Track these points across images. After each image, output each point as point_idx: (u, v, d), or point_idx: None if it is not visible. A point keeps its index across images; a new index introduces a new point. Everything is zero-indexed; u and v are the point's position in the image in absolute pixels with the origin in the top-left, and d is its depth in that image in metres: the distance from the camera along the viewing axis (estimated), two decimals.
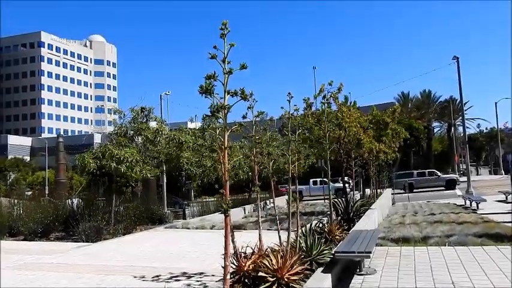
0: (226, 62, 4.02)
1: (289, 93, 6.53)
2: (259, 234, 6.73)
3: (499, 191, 24.07)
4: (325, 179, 46.26)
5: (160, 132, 13.22)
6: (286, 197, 7.93)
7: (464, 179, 52.10)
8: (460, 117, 64.92)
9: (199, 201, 25.61)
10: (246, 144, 13.37)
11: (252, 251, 6.42)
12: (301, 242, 6.83)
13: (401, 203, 24.49)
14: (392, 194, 25.88)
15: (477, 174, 75.14)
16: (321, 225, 9.16)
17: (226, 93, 3.99)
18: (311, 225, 8.61)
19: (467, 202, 19.83)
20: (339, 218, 12.81)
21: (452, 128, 56.74)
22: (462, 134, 41.97)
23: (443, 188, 37.45)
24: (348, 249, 6.06)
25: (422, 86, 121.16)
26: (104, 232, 12.22)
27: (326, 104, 9.48)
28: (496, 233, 8.88)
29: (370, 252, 6.01)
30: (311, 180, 43.65)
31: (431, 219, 13.39)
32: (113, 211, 12.95)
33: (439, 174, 41.59)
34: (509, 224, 10.91)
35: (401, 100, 59.38)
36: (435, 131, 72.23)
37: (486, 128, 72.52)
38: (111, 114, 15.74)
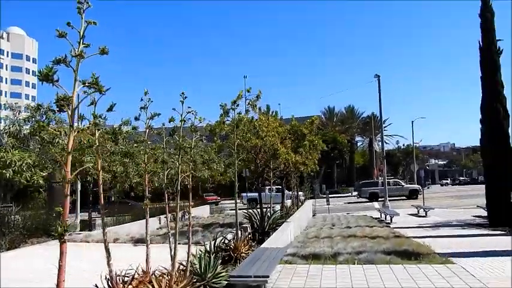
0: (81, 43, 3.14)
1: (182, 92, 5.72)
2: (147, 254, 5.80)
3: (411, 205, 25.11)
4: (278, 187, 46.37)
5: (60, 133, 11.72)
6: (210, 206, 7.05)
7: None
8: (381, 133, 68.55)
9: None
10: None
11: (138, 274, 5.50)
12: (196, 262, 6.01)
13: (322, 214, 24.67)
14: (314, 204, 26.00)
15: None
16: (227, 241, 8.41)
17: (76, 82, 3.11)
18: (215, 241, 7.84)
19: (383, 215, 20.28)
20: (251, 232, 12.25)
21: (373, 142, 59.38)
22: (379, 150, 43.80)
23: (404, 198, 38.32)
24: (244, 273, 5.36)
25: (349, 102, 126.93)
26: None
27: (235, 110, 8.79)
28: (404, 250, 8.73)
29: (268, 276, 5.37)
30: (266, 187, 43.24)
31: (346, 233, 13.25)
32: None
33: (403, 184, 43.06)
34: (418, 240, 10.95)
35: (327, 114, 61.23)
36: (358, 145, 75.46)
37: (403, 145, 77.16)
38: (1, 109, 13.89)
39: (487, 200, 15.56)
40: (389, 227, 15.65)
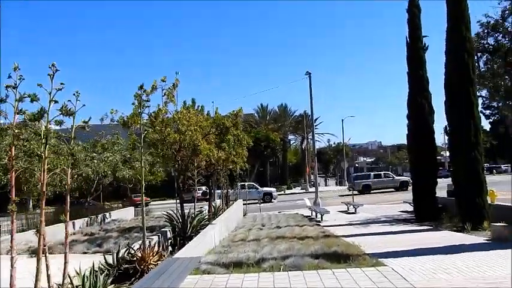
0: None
1: (52, 64, 4.48)
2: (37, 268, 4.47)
3: (341, 202, 25.21)
4: (252, 183, 45.11)
5: None
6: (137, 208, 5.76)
7: (320, 189, 55.34)
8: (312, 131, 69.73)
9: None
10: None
11: None
12: (79, 283, 4.80)
13: (254, 214, 23.98)
14: (245, 204, 25.23)
15: (325, 185, 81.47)
16: (133, 250, 7.20)
17: None
18: (118, 252, 6.61)
19: (313, 213, 19.96)
20: (171, 236, 11.10)
21: (305, 141, 60.14)
22: (310, 148, 44.26)
23: (393, 190, 38.31)
24: None
25: (282, 100, 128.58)
26: None
27: (139, 102, 7.66)
28: (334, 252, 8.07)
29: None
30: (239, 184, 41.50)
31: (275, 234, 12.52)
32: None
33: (394, 176, 43.13)
34: (347, 239, 10.44)
35: (261, 112, 61.07)
36: (291, 144, 76.35)
37: (334, 143, 79.31)
38: None
39: (413, 196, 15.65)
40: (320, 225, 15.20)
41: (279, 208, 29.07)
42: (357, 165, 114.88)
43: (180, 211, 11.25)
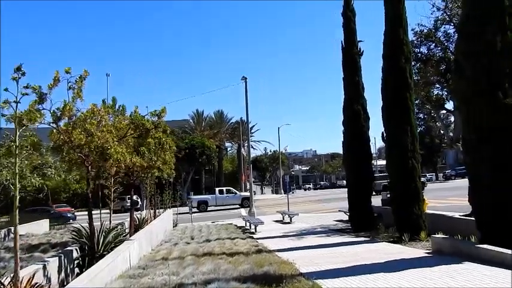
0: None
1: None
2: None
3: (277, 211, 24.47)
4: (229, 188, 42.39)
5: None
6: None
7: (257, 197, 54.59)
8: (250, 139, 69.19)
9: None
10: None
11: None
12: None
13: (185, 224, 22.51)
14: (176, 214, 23.63)
15: (262, 193, 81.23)
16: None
17: None
18: None
19: (247, 224, 18.93)
20: (78, 256, 9.46)
21: (242, 148, 59.32)
22: (246, 155, 43.20)
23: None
24: None
25: (220, 107, 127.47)
26: None
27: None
28: (265, 273, 7.00)
29: None
30: (217, 189, 39.99)
31: (203, 250, 11.28)
32: None
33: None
34: (281, 255, 9.46)
35: (196, 118, 59.39)
36: (228, 151, 75.20)
37: (270, 150, 79.44)
38: None
39: (349, 205, 15.13)
40: (253, 238, 14.17)
41: (213, 218, 27.79)
42: (292, 173, 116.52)
43: (91, 225, 9.64)
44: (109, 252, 9.50)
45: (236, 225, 20.10)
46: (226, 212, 33.51)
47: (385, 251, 9.53)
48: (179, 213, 24.83)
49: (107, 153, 7.87)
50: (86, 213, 10.44)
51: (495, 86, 7.65)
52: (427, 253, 8.80)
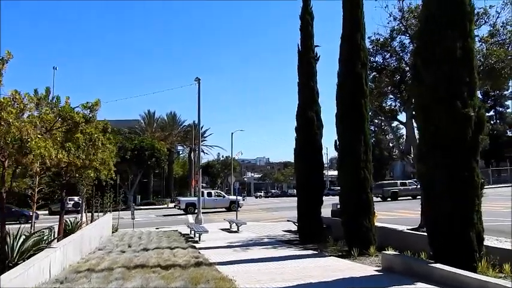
0: None
1: None
2: None
3: (224, 219, 23.56)
4: (218, 191, 41.57)
5: None
6: None
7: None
8: (202, 143, 67.79)
9: None
10: None
11: None
12: None
13: (126, 230, 21.05)
14: (117, 218, 22.08)
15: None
16: None
17: None
18: None
19: (192, 232, 17.85)
20: None
21: (194, 152, 57.93)
22: (197, 159, 42.05)
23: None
24: None
25: (173, 108, 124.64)
26: None
27: None
28: None
29: None
30: (205, 191, 38.58)
31: (136, 261, 10.18)
32: None
33: (417, 184, 40.08)
34: (222, 269, 8.58)
35: (147, 118, 57.34)
36: (180, 155, 73.32)
37: (223, 156, 78.40)
38: None
39: (298, 215, 14.52)
40: (195, 247, 13.15)
41: (158, 224, 26.42)
42: (245, 180, 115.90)
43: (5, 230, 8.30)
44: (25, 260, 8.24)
45: (180, 233, 18.98)
46: (174, 217, 32.06)
47: (333, 267, 8.89)
48: (121, 218, 23.30)
49: (26, 147, 6.69)
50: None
51: (454, 95, 7.25)
52: (377, 270, 8.24)
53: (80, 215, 22.08)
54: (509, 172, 55.19)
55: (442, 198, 7.29)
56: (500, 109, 61.69)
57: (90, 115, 8.59)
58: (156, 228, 22.18)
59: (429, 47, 7.61)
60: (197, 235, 15.96)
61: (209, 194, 38.23)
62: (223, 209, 37.11)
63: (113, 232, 20.19)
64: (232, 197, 39.24)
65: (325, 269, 8.66)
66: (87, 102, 8.37)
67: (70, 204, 37.29)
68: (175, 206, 38.89)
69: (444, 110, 7.22)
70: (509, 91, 59.04)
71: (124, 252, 12.36)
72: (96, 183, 18.04)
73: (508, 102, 65.51)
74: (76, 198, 36.73)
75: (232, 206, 35.99)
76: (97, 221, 17.54)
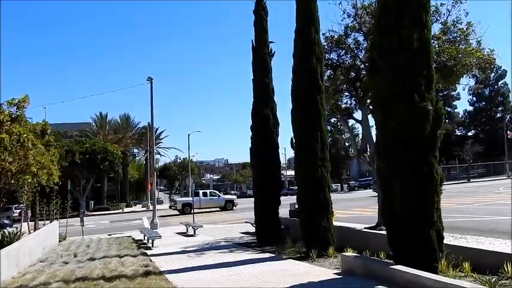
0: None
1: None
2: None
3: (181, 222, 22.75)
4: (213, 191, 41.48)
5: None
6: None
7: (163, 206, 51.72)
8: (158, 145, 66.05)
9: None
10: None
11: None
12: None
13: (75, 238, 19.78)
14: (66, 226, 20.70)
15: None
16: None
17: None
18: None
19: (145, 237, 16.95)
20: None
21: (149, 155, 56.29)
22: (151, 161, 40.72)
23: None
24: None
25: (126, 111, 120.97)
26: None
27: None
28: None
29: None
30: (201, 191, 38.60)
31: (78, 273, 9.32)
32: None
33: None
34: (173, 278, 7.92)
35: (99, 121, 54.98)
36: (137, 158, 71.07)
37: (179, 158, 76.73)
38: None
39: (255, 216, 14.03)
40: (147, 254, 12.35)
41: (112, 230, 25.17)
42: (203, 181, 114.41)
43: None
44: None
45: (134, 239, 18.03)
46: (129, 223, 30.70)
47: (291, 271, 8.42)
48: (71, 226, 21.90)
49: None
50: None
51: (411, 88, 6.97)
52: (337, 273, 7.85)
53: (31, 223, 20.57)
54: (457, 170, 57.61)
55: (401, 195, 7.00)
56: (449, 109, 64.21)
57: (17, 113, 7.65)
58: (109, 235, 21.05)
59: (385, 38, 7.30)
60: (151, 240, 15.13)
61: (204, 194, 38.41)
62: (218, 209, 37.01)
63: (60, 241, 18.89)
64: (228, 196, 40.37)
65: (282, 273, 8.18)
66: (13, 99, 7.46)
67: (16, 212, 34.97)
68: (170, 206, 39.01)
69: (402, 103, 6.93)
70: (456, 92, 61.86)
71: (67, 263, 11.38)
72: (39, 189, 16.76)
73: (456, 102, 68.64)
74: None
75: (228, 205, 36.88)
76: (40, 229, 16.28)
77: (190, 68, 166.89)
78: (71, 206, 31.90)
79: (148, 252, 13.13)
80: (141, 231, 18.22)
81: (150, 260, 11.04)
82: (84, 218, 24.37)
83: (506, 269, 6.29)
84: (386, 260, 7.88)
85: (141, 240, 17.10)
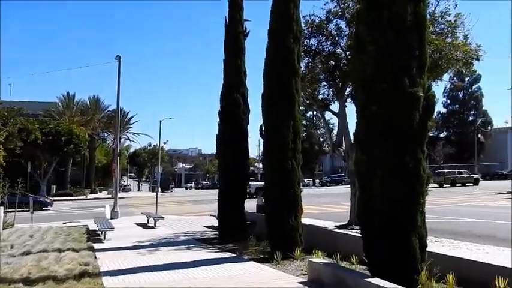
0: None
1: None
2: None
3: (142, 212, 21.37)
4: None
5: None
6: None
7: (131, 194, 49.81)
8: (128, 130, 63.86)
9: None
10: None
11: None
12: None
13: (25, 225, 18.12)
14: (14, 211, 18.98)
15: (138, 190, 75.87)
16: None
17: None
18: None
19: (98, 227, 15.52)
20: None
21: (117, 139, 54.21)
22: (115, 145, 38.89)
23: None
24: None
25: (96, 92, 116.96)
26: None
27: None
28: None
29: None
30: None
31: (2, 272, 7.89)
32: None
33: (469, 173, 44.56)
34: (112, 281, 6.65)
35: (65, 101, 52.32)
36: (107, 143, 68.43)
37: (150, 144, 74.33)
38: None
39: (219, 209, 12.83)
40: (93, 249, 10.96)
41: (70, 217, 23.52)
42: (176, 170, 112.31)
43: None
44: None
45: (88, 229, 16.59)
46: (90, 210, 28.90)
47: (249, 278, 7.25)
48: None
49: None
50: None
51: (401, 69, 5.89)
52: (302, 282, 6.74)
53: None
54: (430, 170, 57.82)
55: (381, 195, 5.94)
56: None
57: None
58: (64, 223, 19.48)
59: (374, 11, 6.19)
60: (103, 232, 13.74)
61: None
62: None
63: (5, 228, 17.20)
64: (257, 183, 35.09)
65: (239, 280, 7.02)
66: None
67: None
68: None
69: (389, 87, 5.84)
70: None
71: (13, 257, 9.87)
72: None
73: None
74: None
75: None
76: None
77: (166, 55, 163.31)
78: (31, 190, 29.90)
79: (97, 246, 11.76)
80: (95, 221, 16.74)
81: (94, 257, 9.70)
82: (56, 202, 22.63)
83: (498, 285, 5.36)
84: (359, 269, 6.84)
85: (95, 231, 15.68)
